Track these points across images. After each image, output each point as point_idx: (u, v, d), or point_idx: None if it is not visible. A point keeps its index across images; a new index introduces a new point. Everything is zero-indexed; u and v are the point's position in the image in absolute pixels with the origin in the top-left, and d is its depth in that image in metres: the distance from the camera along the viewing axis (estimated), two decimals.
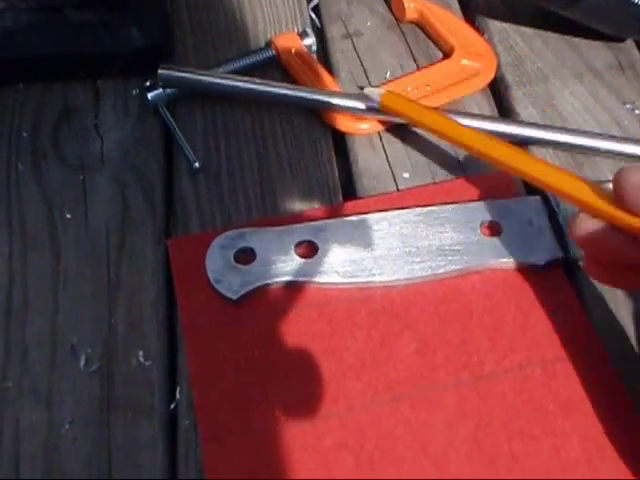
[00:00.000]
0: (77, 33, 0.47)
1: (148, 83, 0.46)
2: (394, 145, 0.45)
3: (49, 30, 0.47)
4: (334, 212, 0.41)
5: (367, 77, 0.49)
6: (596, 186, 0.33)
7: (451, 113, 0.45)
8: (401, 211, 0.41)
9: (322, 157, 0.45)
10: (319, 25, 0.53)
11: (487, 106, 0.48)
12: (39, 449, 0.34)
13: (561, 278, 0.39)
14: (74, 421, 0.35)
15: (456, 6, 0.54)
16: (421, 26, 0.52)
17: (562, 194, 0.34)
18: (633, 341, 0.37)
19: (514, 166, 0.37)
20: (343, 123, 0.45)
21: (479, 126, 0.44)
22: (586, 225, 0.32)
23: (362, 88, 0.45)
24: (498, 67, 0.49)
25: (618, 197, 0.31)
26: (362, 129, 0.46)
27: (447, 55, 0.50)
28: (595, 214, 0.32)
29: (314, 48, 0.49)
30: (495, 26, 0.52)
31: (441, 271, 0.39)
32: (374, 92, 0.44)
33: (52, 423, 0.35)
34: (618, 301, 0.39)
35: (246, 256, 0.39)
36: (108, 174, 0.44)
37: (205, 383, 0.36)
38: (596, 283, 0.39)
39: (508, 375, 0.36)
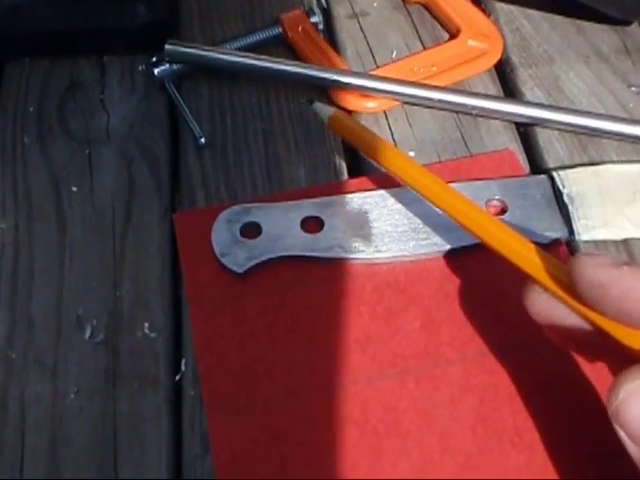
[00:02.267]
0: (84, 8, 0.46)
1: (155, 59, 0.46)
2: (400, 124, 0.45)
3: (56, 5, 0.46)
4: (340, 189, 0.42)
5: (373, 56, 0.49)
6: (553, 262, 0.31)
7: (457, 92, 0.45)
8: (407, 188, 0.41)
9: (328, 134, 0.45)
10: (325, 5, 0.53)
11: (492, 87, 0.48)
12: (44, 419, 0.35)
13: (565, 256, 0.39)
14: (79, 391, 0.35)
15: None
16: (427, 7, 0.52)
17: (514, 266, 0.33)
18: None
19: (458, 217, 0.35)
20: (349, 101, 0.45)
21: (485, 105, 0.45)
22: (539, 302, 0.31)
23: (311, 102, 0.43)
24: (504, 48, 0.49)
25: (573, 286, 0.29)
26: (368, 107, 0.46)
27: (453, 36, 0.50)
28: (552, 294, 0.31)
29: (321, 27, 0.49)
30: (502, 8, 0.52)
31: (446, 248, 0.39)
32: (323, 109, 0.42)
33: (57, 393, 0.35)
34: None
35: (252, 231, 0.39)
36: (114, 149, 0.44)
37: (210, 355, 0.36)
38: None
39: (513, 350, 0.36)
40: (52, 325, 0.37)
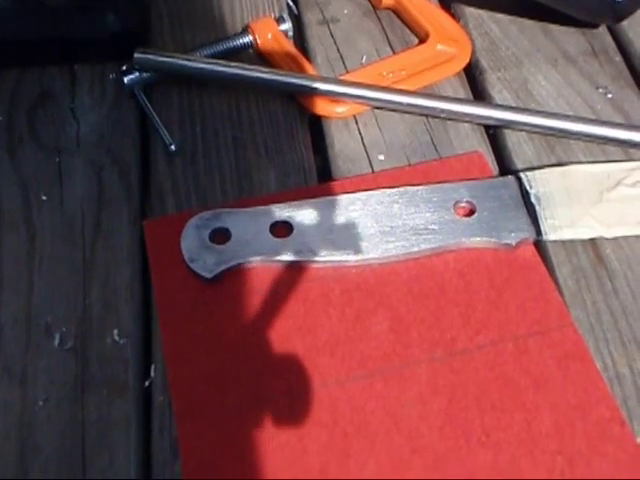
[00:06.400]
0: (54, 18, 0.46)
1: (124, 67, 0.46)
2: (369, 128, 0.46)
3: (26, 15, 0.46)
4: (309, 193, 0.42)
5: (343, 62, 0.49)
6: None
7: (426, 96, 0.46)
8: (375, 191, 0.41)
9: (298, 140, 0.45)
10: (296, 12, 0.53)
11: (462, 90, 0.48)
12: (13, 427, 0.34)
13: (533, 256, 0.40)
14: (48, 399, 0.35)
15: None
16: (397, 12, 0.52)
17: None
18: (602, 316, 0.38)
19: None
20: (319, 106, 0.46)
21: (454, 109, 0.45)
22: None
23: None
24: (473, 52, 0.50)
25: None
26: (338, 112, 0.46)
27: (422, 41, 0.50)
28: None
29: (291, 33, 0.49)
30: (471, 12, 0.53)
31: (415, 250, 0.39)
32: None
33: (26, 401, 0.35)
34: (588, 278, 0.39)
35: (221, 236, 0.39)
36: (84, 157, 0.44)
37: (179, 361, 0.36)
38: (566, 261, 0.40)
39: (481, 351, 0.37)
40: (21, 333, 0.37)
